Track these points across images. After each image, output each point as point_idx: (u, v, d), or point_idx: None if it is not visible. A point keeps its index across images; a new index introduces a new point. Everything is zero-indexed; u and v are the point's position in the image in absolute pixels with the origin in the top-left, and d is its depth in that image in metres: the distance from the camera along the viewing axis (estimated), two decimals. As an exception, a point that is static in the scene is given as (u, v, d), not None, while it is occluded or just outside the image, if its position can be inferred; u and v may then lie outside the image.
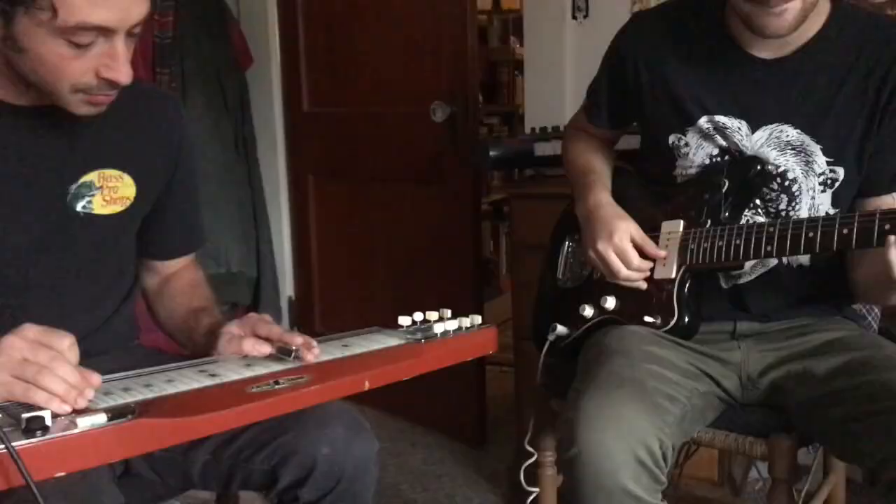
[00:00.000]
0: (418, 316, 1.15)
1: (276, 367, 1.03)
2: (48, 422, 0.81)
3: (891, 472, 1.04)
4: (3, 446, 0.76)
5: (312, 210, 2.83)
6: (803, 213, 1.25)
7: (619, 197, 1.36)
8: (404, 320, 1.15)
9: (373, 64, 2.56)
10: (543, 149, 2.06)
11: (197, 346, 1.17)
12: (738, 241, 1.19)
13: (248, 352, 1.05)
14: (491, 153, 2.11)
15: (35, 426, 0.80)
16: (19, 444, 0.77)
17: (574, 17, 2.26)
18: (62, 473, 0.80)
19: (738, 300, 1.30)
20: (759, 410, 1.26)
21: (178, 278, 1.30)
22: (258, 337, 1.06)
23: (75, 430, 0.82)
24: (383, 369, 1.06)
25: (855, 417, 1.10)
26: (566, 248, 1.50)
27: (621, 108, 1.42)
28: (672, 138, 1.31)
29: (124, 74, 0.97)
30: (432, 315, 1.17)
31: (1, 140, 1.04)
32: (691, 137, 1.30)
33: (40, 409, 0.82)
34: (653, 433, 1.08)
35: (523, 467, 1.44)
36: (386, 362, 1.08)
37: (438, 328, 1.14)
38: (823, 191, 1.24)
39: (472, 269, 2.47)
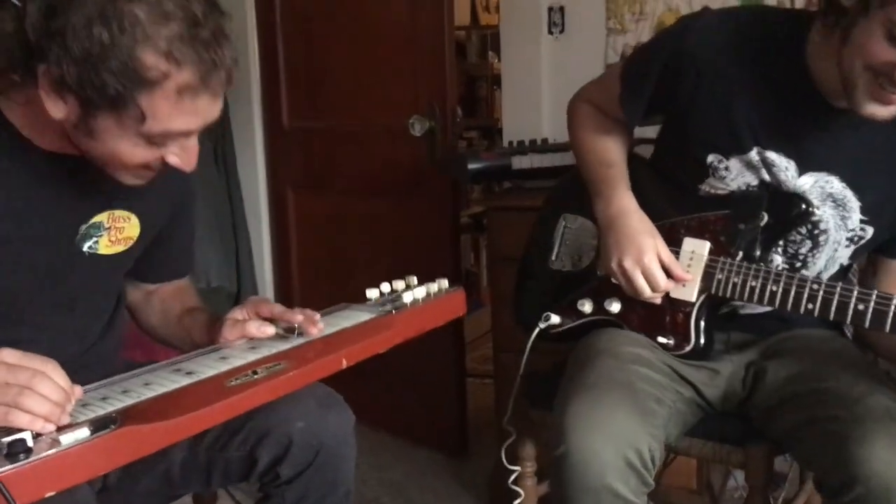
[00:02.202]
0: (385, 287, 1.17)
1: (250, 356, 1.03)
2: (30, 443, 0.80)
3: (833, 478, 1.05)
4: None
5: (293, 224, 2.83)
6: (821, 263, 1.23)
7: (635, 192, 1.30)
8: (372, 293, 1.17)
9: (351, 79, 2.57)
10: (521, 162, 2.08)
11: (196, 343, 1.18)
12: (774, 288, 1.16)
13: (253, 334, 1.08)
14: (469, 167, 2.13)
15: (17, 450, 0.79)
16: (2, 470, 0.76)
17: (550, 33, 2.28)
18: (51, 494, 0.81)
19: (733, 319, 1.31)
20: (736, 419, 1.27)
21: (165, 287, 1.31)
22: (261, 318, 1.08)
23: (59, 449, 0.82)
24: (359, 345, 1.06)
25: (803, 425, 1.12)
26: (561, 228, 1.44)
27: (661, 106, 1.29)
28: (712, 157, 1.24)
29: (191, 164, 1.00)
30: (399, 284, 1.19)
31: (24, 179, 1.04)
32: (734, 163, 1.23)
33: (19, 430, 0.81)
34: (642, 436, 1.09)
35: (511, 479, 1.43)
36: (360, 337, 1.08)
37: (407, 297, 1.16)
38: (848, 246, 1.23)
39: (453, 280, 2.48)
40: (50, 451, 0.81)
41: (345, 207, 2.68)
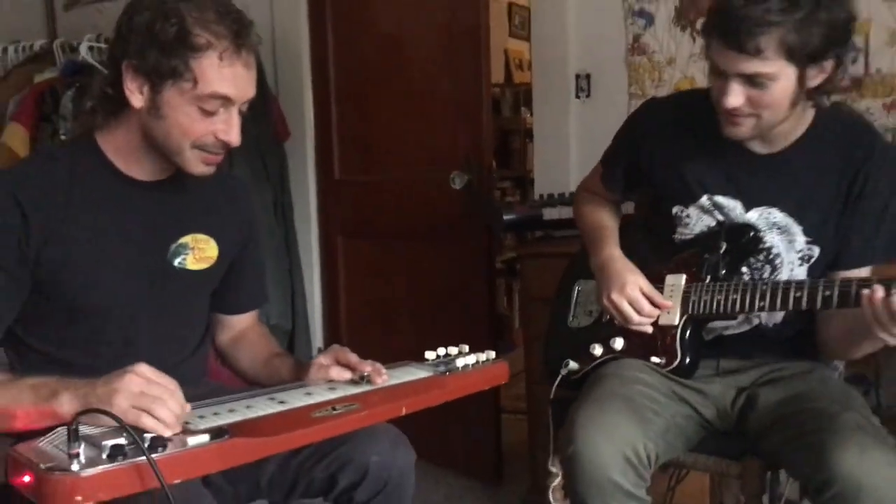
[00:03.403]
0: (441, 351, 1.40)
1: (330, 395, 1.27)
2: (167, 440, 1.04)
3: (815, 480, 1.24)
4: (141, 458, 0.99)
5: (341, 268, 3.05)
6: None
7: (629, 251, 1.55)
8: (430, 355, 1.40)
9: (397, 136, 2.81)
10: (551, 213, 2.30)
11: (285, 381, 1.41)
12: (735, 296, 1.40)
13: (334, 377, 1.32)
14: (504, 217, 2.36)
15: (157, 444, 1.02)
16: (154, 455, 0.99)
17: (577, 97, 2.51)
18: (178, 481, 1.03)
19: (721, 345, 1.52)
20: (734, 437, 1.47)
21: (251, 332, 1.56)
22: (340, 364, 1.32)
23: (187, 447, 1.05)
24: (417, 398, 1.29)
25: (788, 441, 1.32)
26: (576, 291, 1.69)
27: (633, 177, 1.61)
28: (676, 209, 1.51)
29: (235, 137, 1.29)
30: (453, 350, 1.41)
31: (123, 207, 1.33)
32: (692, 211, 1.50)
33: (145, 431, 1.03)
34: (638, 437, 1.31)
35: (551, 487, 1.57)
36: (418, 392, 1.31)
37: (460, 362, 1.38)
38: (801, 265, 1.45)
39: (488, 321, 2.70)
40: (180, 448, 1.04)
41: (389, 253, 2.91)
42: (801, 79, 1.30)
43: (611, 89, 2.45)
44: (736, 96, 1.32)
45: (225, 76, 1.23)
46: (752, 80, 1.30)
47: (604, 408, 1.35)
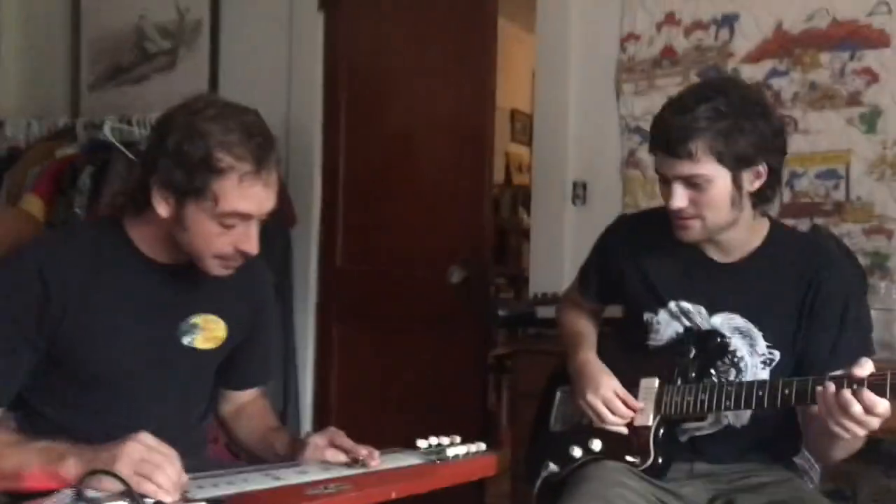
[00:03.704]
0: (433, 440, 1.45)
1: (324, 474, 1.32)
2: (168, 506, 1.10)
3: None
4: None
5: (336, 354, 3.11)
6: None
7: (606, 359, 1.64)
8: (422, 443, 1.45)
9: (400, 229, 2.93)
10: (545, 312, 2.38)
11: (279, 456, 1.47)
12: (703, 396, 1.48)
13: (329, 459, 1.37)
14: (499, 313, 2.45)
15: (157, 507, 1.09)
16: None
17: (574, 203, 2.63)
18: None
19: (695, 447, 1.58)
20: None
21: (252, 405, 1.62)
22: (335, 446, 1.37)
23: (186, 513, 1.11)
24: (406, 484, 1.34)
25: None
26: (557, 398, 1.77)
27: (606, 289, 1.73)
28: (647, 316, 1.62)
29: (254, 248, 1.36)
30: (444, 440, 1.46)
31: (140, 286, 1.41)
32: (662, 317, 1.60)
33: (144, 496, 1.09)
34: None
35: None
36: (408, 478, 1.36)
37: (451, 452, 1.43)
38: (764, 368, 1.53)
39: (479, 415, 2.75)
40: (180, 514, 1.10)
41: (384, 342, 2.97)
42: (736, 181, 1.44)
43: (605, 198, 2.57)
44: (680, 198, 1.46)
45: (244, 196, 1.30)
46: (692, 183, 1.44)
47: None
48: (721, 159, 1.42)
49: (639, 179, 2.55)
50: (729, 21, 2.43)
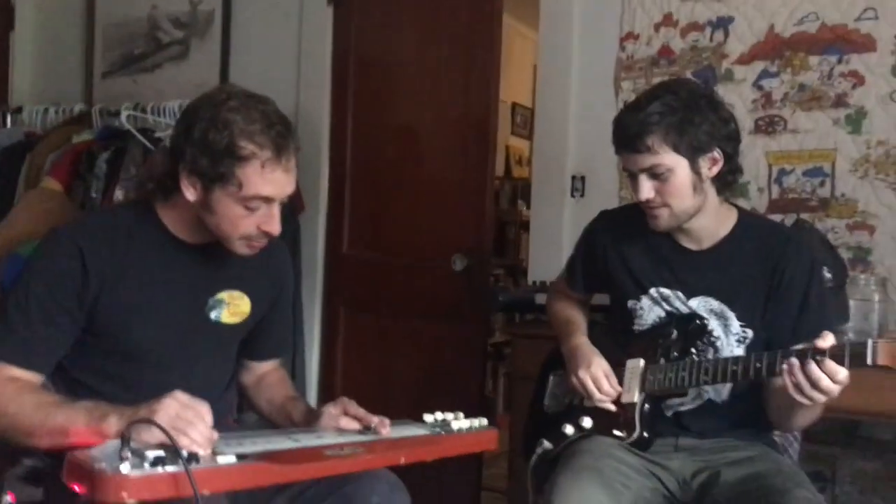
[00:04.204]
0: (439, 415, 1.57)
1: (340, 439, 1.44)
2: (200, 457, 1.21)
3: None
4: (180, 468, 1.15)
5: (341, 338, 3.20)
6: None
7: (594, 343, 1.76)
8: (428, 417, 1.56)
9: (406, 217, 3.03)
10: (542, 298, 2.47)
11: (295, 424, 1.58)
12: (683, 373, 1.61)
13: (343, 426, 1.48)
14: (499, 299, 2.56)
15: (192, 458, 1.19)
16: (191, 467, 1.16)
17: (572, 196, 2.74)
18: (207, 492, 1.19)
19: (680, 423, 1.70)
20: (694, 508, 1.63)
21: (272, 375, 1.73)
22: (348, 415, 1.48)
23: (218, 464, 1.22)
24: (414, 450, 1.46)
25: None
26: (550, 381, 1.89)
27: (592, 280, 1.87)
28: (630, 303, 1.74)
29: (276, 229, 1.47)
30: (449, 415, 1.58)
31: (171, 264, 1.52)
32: (644, 303, 1.73)
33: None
34: None
35: None
36: (416, 445, 1.48)
37: (455, 425, 1.55)
38: (739, 346, 1.65)
39: (478, 399, 2.86)
40: (212, 464, 1.22)
41: (388, 327, 3.07)
42: (695, 168, 1.58)
43: (603, 191, 2.66)
44: (647, 190, 1.60)
45: (266, 181, 1.40)
46: (655, 174, 1.58)
47: (578, 478, 1.52)
48: (677, 149, 1.56)
49: (635, 174, 2.65)
50: (723, 23, 2.54)
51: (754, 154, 2.44)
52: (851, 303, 2.06)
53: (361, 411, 1.51)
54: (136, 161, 2.89)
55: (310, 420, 1.56)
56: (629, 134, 1.59)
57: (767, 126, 2.46)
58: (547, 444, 1.75)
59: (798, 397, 1.42)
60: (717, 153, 1.60)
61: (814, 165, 2.40)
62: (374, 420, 1.48)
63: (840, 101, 2.37)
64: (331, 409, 1.52)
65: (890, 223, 2.30)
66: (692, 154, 1.57)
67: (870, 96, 2.34)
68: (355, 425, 1.49)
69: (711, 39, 2.56)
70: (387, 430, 1.47)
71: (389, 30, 3.11)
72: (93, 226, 1.54)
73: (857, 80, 2.35)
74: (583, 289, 1.90)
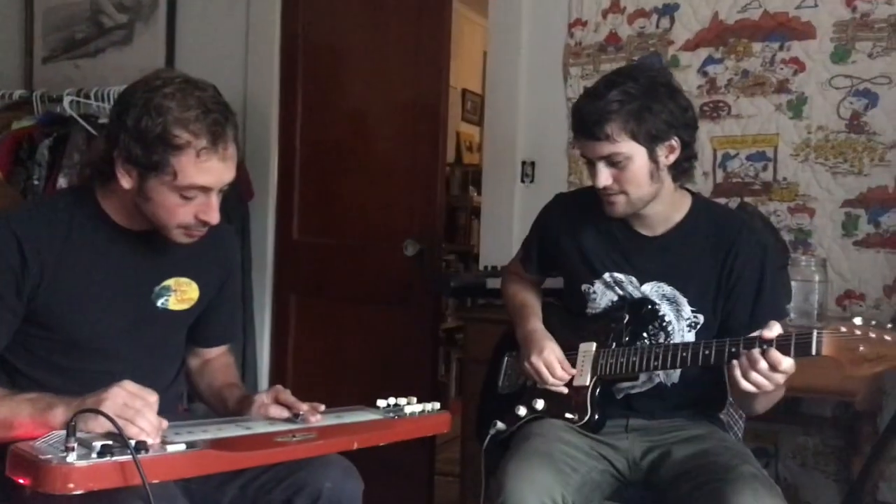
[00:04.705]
0: (392, 400, 1.57)
1: (290, 426, 1.44)
2: (149, 445, 1.20)
3: None
4: (128, 457, 1.14)
5: (292, 325, 3.19)
6: None
7: (548, 326, 1.78)
8: (381, 402, 1.56)
9: (356, 203, 3.02)
10: (494, 283, 2.50)
11: (229, 411, 1.57)
12: (634, 358, 1.63)
13: (273, 415, 1.47)
14: (451, 284, 2.57)
15: (140, 447, 1.18)
16: (139, 455, 1.15)
17: (523, 181, 2.76)
18: (156, 481, 1.18)
19: (630, 405, 1.73)
20: (642, 487, 1.66)
21: (217, 360, 1.72)
22: (279, 403, 1.47)
23: (166, 452, 1.21)
24: (366, 435, 1.46)
25: (696, 488, 1.52)
26: (505, 362, 1.91)
27: (546, 262, 1.88)
28: (584, 287, 1.76)
29: (215, 218, 1.44)
30: (402, 400, 1.58)
31: (114, 252, 1.49)
32: (597, 287, 1.74)
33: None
34: (557, 488, 1.50)
35: None
36: (368, 430, 1.48)
37: (408, 409, 1.56)
38: (690, 331, 1.68)
39: (430, 383, 2.88)
40: (160, 453, 1.21)
41: (340, 314, 3.06)
42: (652, 156, 1.59)
43: (553, 177, 2.69)
44: (605, 177, 1.60)
45: (202, 170, 1.36)
46: (612, 162, 1.59)
47: (529, 462, 1.54)
48: (636, 137, 1.56)
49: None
50: (669, 10, 2.58)
51: (700, 139, 2.47)
52: (793, 283, 2.11)
53: (292, 399, 1.49)
54: (80, 148, 2.83)
55: (243, 407, 1.54)
56: (588, 122, 1.58)
57: (712, 111, 2.51)
58: (500, 425, 1.77)
59: (743, 384, 1.45)
60: (674, 141, 1.61)
61: (757, 150, 2.46)
62: (304, 407, 1.47)
63: (782, 87, 2.43)
64: (262, 398, 1.51)
65: (829, 206, 2.37)
66: (650, 143, 1.58)
67: (810, 82, 2.40)
68: (285, 413, 1.48)
69: (658, 26, 2.60)
70: (316, 417, 1.45)
71: (338, 14, 3.09)
72: (31, 214, 1.50)
73: (798, 66, 2.41)
74: (537, 270, 1.91)
